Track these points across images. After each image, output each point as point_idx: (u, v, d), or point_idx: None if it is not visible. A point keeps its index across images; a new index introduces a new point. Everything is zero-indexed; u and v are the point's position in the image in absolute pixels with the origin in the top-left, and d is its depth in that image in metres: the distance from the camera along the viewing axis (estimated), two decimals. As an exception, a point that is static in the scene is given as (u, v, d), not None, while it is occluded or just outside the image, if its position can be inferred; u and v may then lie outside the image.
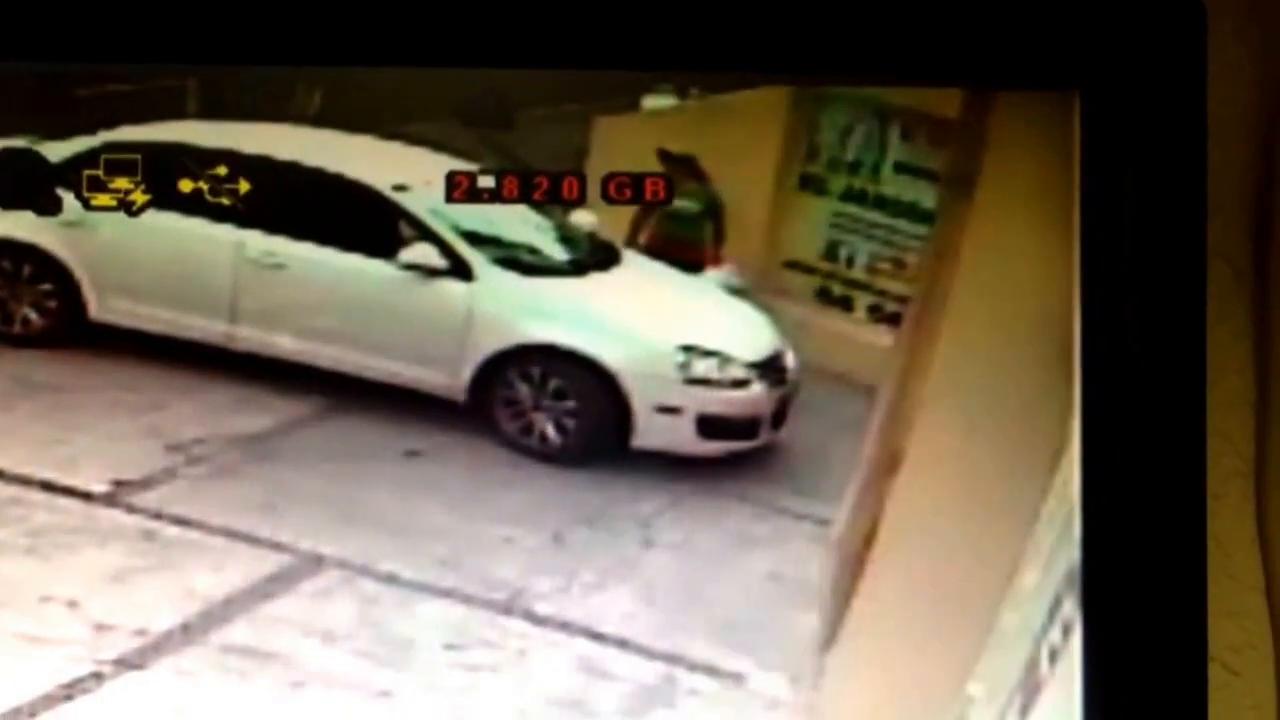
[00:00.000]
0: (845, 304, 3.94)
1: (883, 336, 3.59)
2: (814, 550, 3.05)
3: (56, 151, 3.64)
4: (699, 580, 3.05)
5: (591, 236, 3.73)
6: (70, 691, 2.63)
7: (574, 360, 3.58)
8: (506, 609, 3.01)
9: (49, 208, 3.65)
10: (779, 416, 3.50)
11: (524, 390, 3.70)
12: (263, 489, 3.25)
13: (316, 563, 3.02)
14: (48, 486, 3.12)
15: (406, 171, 3.69)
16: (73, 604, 2.80)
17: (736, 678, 2.84)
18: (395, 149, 3.95)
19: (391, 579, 3.03)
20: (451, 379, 3.65)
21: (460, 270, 3.65)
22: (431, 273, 3.64)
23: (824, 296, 3.98)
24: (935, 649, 2.53)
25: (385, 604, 2.95)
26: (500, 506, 3.36)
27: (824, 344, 3.52)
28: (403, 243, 3.63)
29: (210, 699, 2.67)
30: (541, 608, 3.01)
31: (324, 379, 3.54)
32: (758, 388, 3.46)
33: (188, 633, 2.80)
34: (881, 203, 3.80)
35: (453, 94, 4.50)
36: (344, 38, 2.76)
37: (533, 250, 3.80)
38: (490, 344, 3.67)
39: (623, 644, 2.90)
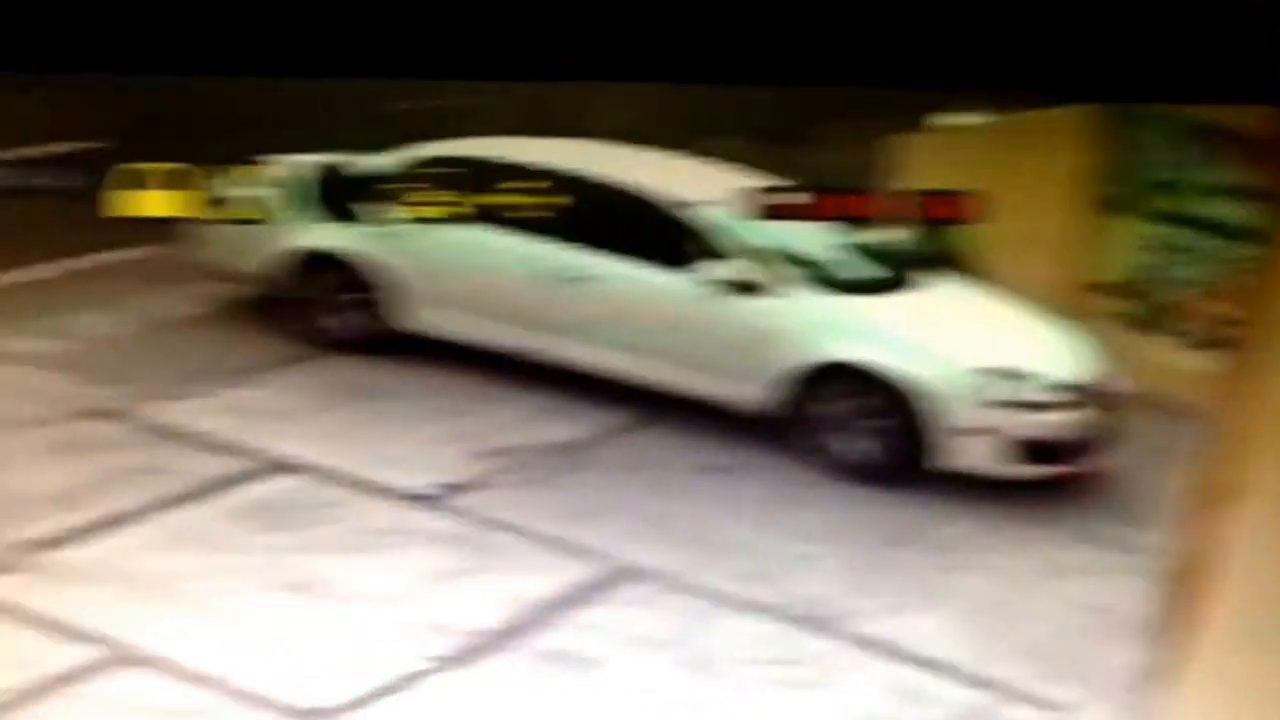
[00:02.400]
0: (1154, 327, 3.84)
1: (1199, 362, 3.49)
2: (1131, 581, 2.98)
3: (375, 165, 3.74)
4: (1010, 606, 3.01)
5: (892, 255, 3.71)
6: (397, 686, 2.70)
7: (874, 380, 3.57)
8: (815, 627, 3.01)
9: (367, 220, 3.76)
10: (1089, 442, 3.44)
11: (824, 408, 3.70)
12: (574, 498, 3.31)
13: (628, 572, 3.10)
14: (372, 488, 3.21)
15: (707, 188, 3.73)
16: (397, 601, 2.92)
17: (1062, 708, 2.78)
18: (695, 166, 4.00)
19: (700, 591, 3.08)
20: (751, 394, 3.67)
21: (760, 287, 3.67)
22: (732, 288, 3.66)
23: (1131, 320, 3.88)
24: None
25: (697, 616, 3.00)
26: (803, 524, 3.37)
27: (1132, 368, 3.44)
28: (704, 258, 3.66)
29: (528, 700, 2.72)
30: (849, 627, 3.00)
31: (634, 391, 3.58)
32: (1065, 412, 3.41)
33: (507, 634, 2.88)
34: (1193, 223, 3.70)
35: (748, 110, 4.49)
36: (648, 56, 2.77)
37: (832, 268, 3.80)
38: (789, 361, 3.69)
39: (933, 667, 2.87)
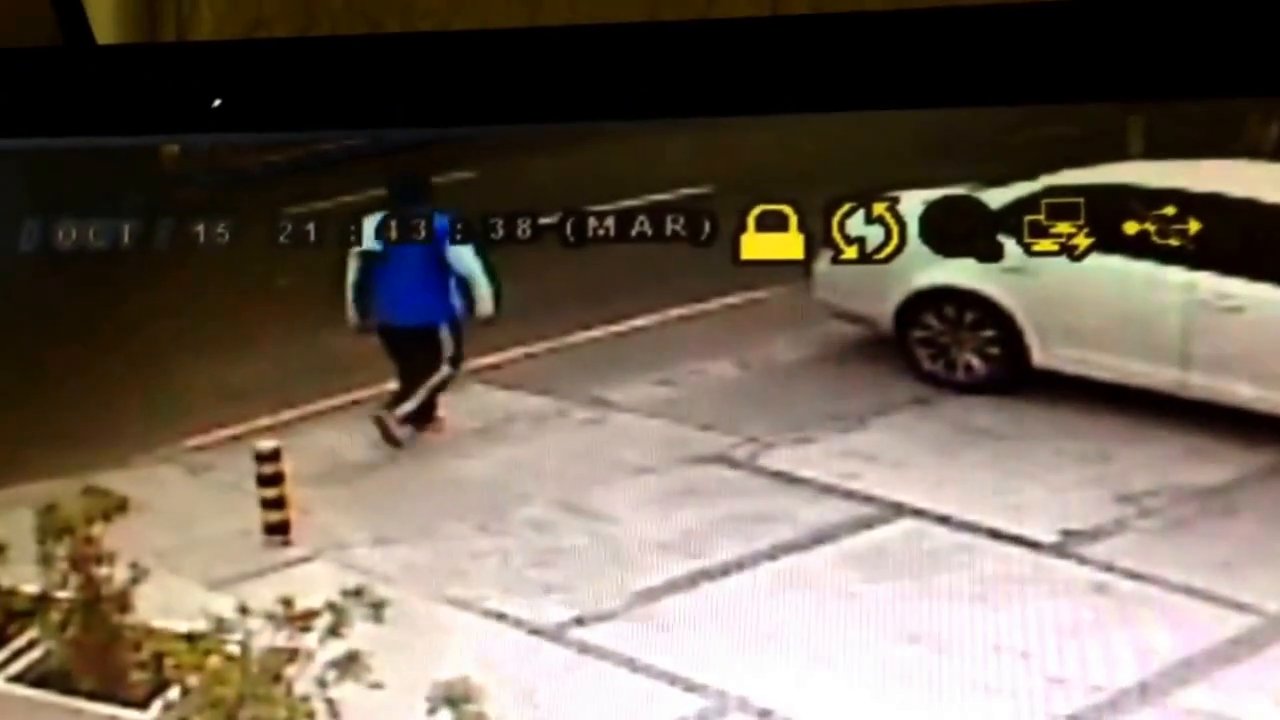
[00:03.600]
0: None
1: None
2: None
3: (997, 198, 3.61)
4: None
5: None
6: None
7: None
8: None
9: (990, 254, 3.63)
10: None
11: None
12: (1222, 546, 3.03)
13: None
14: (995, 534, 3.06)
15: (1378, 206, 3.38)
16: (1024, 654, 2.72)
17: None
18: (1366, 183, 3.62)
19: (1376, 649, 2.74)
20: None
21: None
22: (1406, 314, 3.30)
23: None
24: None
25: None
26: None
27: None
28: (1376, 282, 3.32)
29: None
30: None
31: (1286, 429, 3.30)
32: None
33: (1146, 692, 2.64)
34: None
35: None
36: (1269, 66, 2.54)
37: None
38: None
39: None
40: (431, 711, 2.14)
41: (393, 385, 3.36)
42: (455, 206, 3.13)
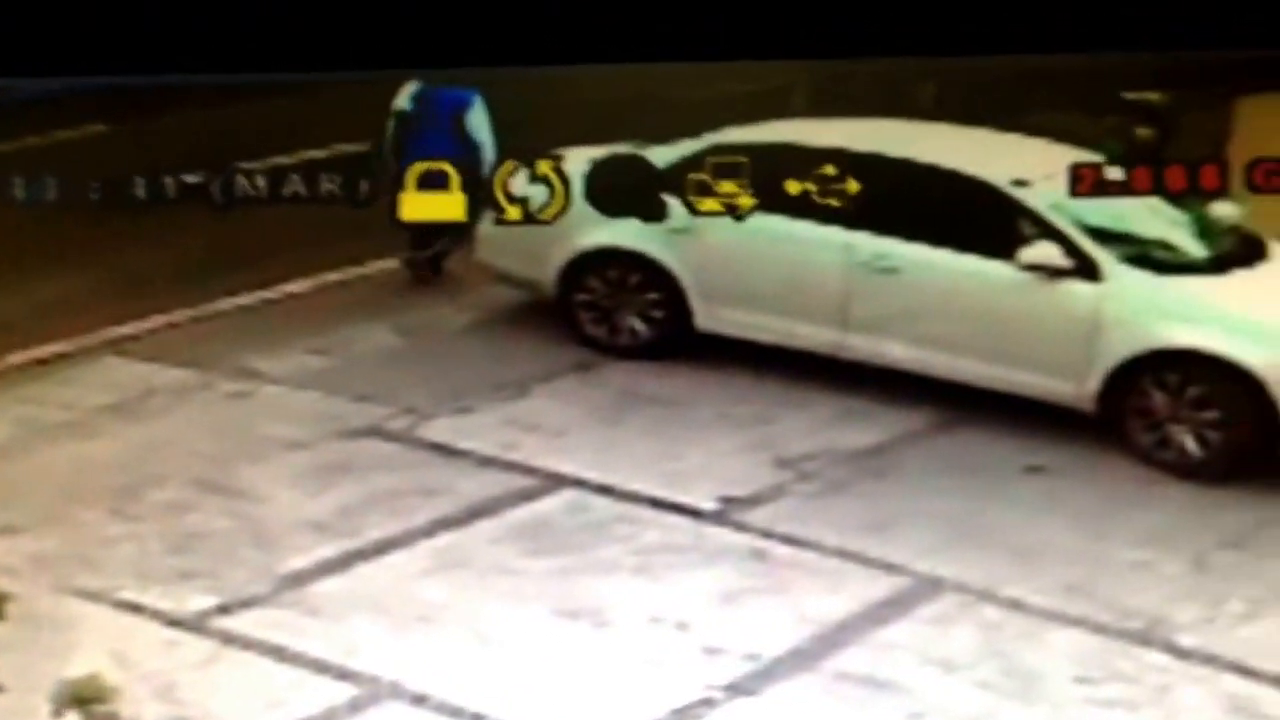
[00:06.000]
0: None
1: None
2: None
3: (663, 156, 3.59)
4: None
5: (1234, 230, 3.40)
6: (681, 717, 2.56)
7: (1216, 366, 3.27)
8: (1144, 640, 2.76)
9: (654, 214, 3.61)
10: None
11: (1159, 400, 3.40)
12: (875, 507, 3.11)
13: (934, 586, 2.87)
14: (656, 503, 3.07)
15: (1026, 165, 3.47)
16: (683, 625, 2.75)
17: None
18: (1014, 142, 3.72)
19: (1016, 605, 2.84)
20: (1078, 388, 3.39)
21: (1086, 270, 3.40)
22: (1055, 273, 3.41)
23: None
24: None
25: (1009, 632, 2.77)
26: (1134, 527, 3.09)
27: None
28: (1023, 242, 3.41)
29: (823, 729, 2.56)
30: (1183, 639, 2.74)
31: (939, 389, 3.36)
32: None
33: (800, 658, 2.70)
34: None
35: (1074, 82, 4.18)
36: (937, 27, 2.57)
37: (1167, 246, 3.49)
38: (1120, 349, 3.40)
39: (1280, 682, 2.58)
40: (57, 713, 2.04)
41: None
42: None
